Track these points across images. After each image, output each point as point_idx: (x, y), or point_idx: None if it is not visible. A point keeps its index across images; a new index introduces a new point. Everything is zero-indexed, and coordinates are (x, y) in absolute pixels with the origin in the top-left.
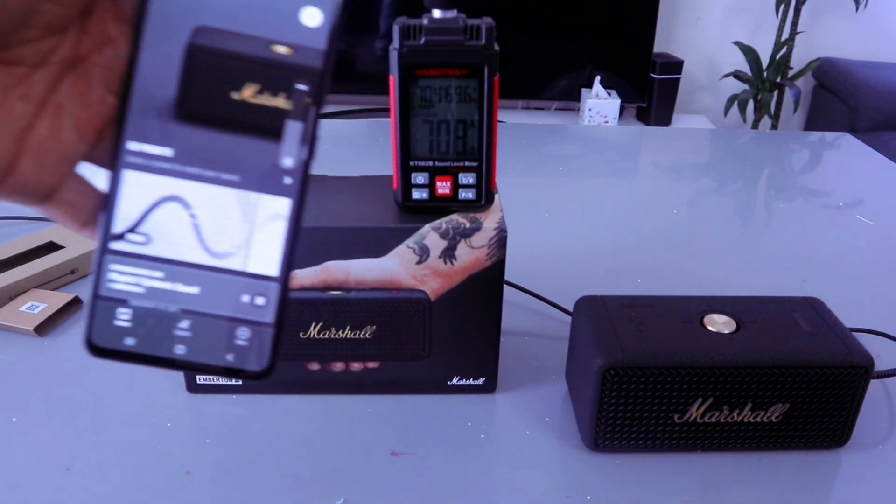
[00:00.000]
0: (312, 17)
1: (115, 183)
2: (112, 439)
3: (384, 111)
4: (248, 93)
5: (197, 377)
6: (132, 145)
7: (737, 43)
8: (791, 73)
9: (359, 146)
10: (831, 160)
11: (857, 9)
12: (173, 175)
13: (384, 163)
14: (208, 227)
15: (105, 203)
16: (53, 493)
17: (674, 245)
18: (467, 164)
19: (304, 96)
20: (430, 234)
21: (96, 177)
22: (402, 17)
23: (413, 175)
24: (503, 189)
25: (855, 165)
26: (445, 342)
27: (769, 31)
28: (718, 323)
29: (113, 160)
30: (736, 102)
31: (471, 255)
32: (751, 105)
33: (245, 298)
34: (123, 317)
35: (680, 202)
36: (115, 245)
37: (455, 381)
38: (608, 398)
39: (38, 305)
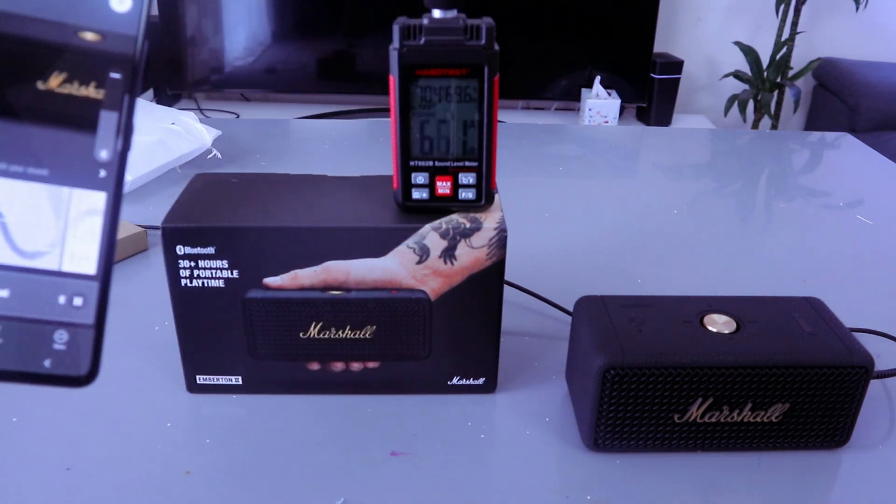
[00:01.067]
0: (122, 3)
1: None
2: (112, 439)
3: (384, 111)
4: (56, 82)
5: (197, 377)
6: None
7: (737, 43)
8: (791, 73)
9: (359, 146)
10: (831, 160)
11: (857, 9)
12: None
13: (384, 163)
14: (17, 225)
15: None
16: (53, 493)
17: (674, 245)
18: (467, 164)
19: (116, 85)
20: (430, 234)
21: None
22: (403, 17)
23: (413, 175)
24: (503, 189)
25: (855, 165)
26: (445, 342)
27: (769, 31)
28: (718, 323)
29: None
30: (736, 102)
31: (471, 255)
32: (751, 105)
33: (61, 299)
34: None
35: (680, 202)
36: None
37: (455, 381)
38: (608, 398)
39: None
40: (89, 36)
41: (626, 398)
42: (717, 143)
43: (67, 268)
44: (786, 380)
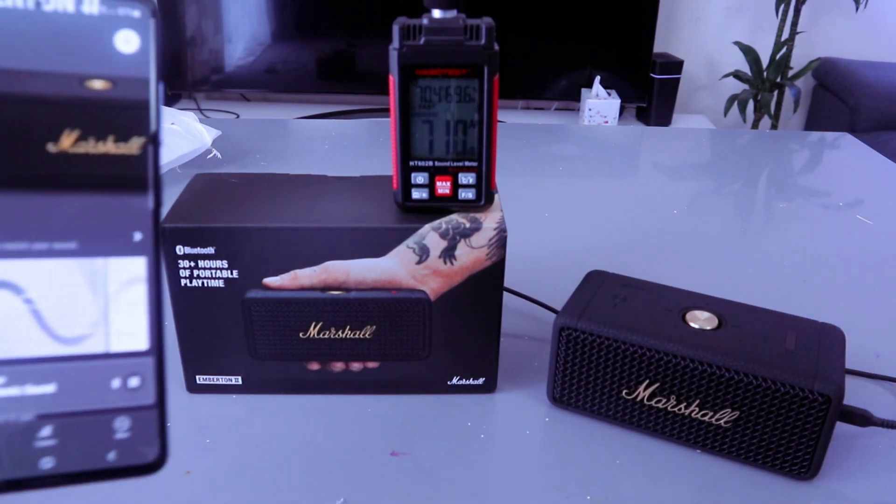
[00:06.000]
0: (128, 42)
1: None
2: None
3: (384, 111)
4: (68, 142)
5: (197, 377)
6: None
7: (737, 43)
8: (791, 73)
9: (359, 146)
10: (831, 160)
11: (857, 9)
12: None
13: (384, 163)
14: (52, 310)
15: None
16: (53, 493)
17: (674, 245)
18: (467, 164)
19: (136, 136)
20: (430, 234)
21: None
22: (402, 17)
23: (413, 175)
24: (503, 189)
25: (855, 165)
26: (445, 342)
27: (769, 31)
28: (700, 319)
29: None
30: (736, 102)
31: (471, 255)
32: (751, 105)
33: (115, 383)
34: None
35: (680, 202)
36: None
37: (455, 381)
38: (563, 356)
39: None
40: (97, 84)
41: (580, 360)
42: (717, 143)
43: (116, 348)
44: (734, 384)
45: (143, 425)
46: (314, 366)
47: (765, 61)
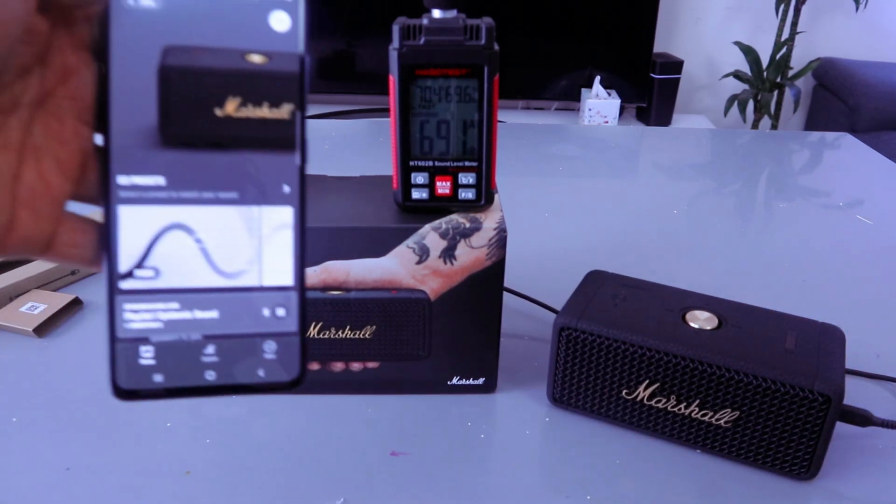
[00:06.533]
0: (281, 22)
1: (112, 221)
2: (112, 439)
3: (384, 111)
4: (232, 107)
5: None
6: (122, 179)
7: (737, 43)
8: (791, 73)
9: (359, 146)
10: (831, 160)
11: (857, 9)
12: (171, 203)
13: (384, 163)
14: (216, 249)
15: (105, 244)
16: (53, 493)
17: (674, 245)
18: (467, 164)
19: (287, 102)
20: (430, 234)
21: (86, 211)
22: (402, 17)
23: (413, 175)
24: (503, 189)
25: (855, 165)
26: (445, 342)
27: (769, 31)
28: (700, 319)
29: (105, 198)
30: (736, 102)
31: (471, 255)
32: (751, 105)
33: (266, 312)
34: (147, 355)
35: (680, 202)
36: (125, 284)
37: (455, 381)
38: (563, 356)
39: (38, 306)
40: (256, 58)
41: (580, 360)
42: (717, 143)
43: (267, 282)
44: (734, 384)
45: (288, 349)
46: (314, 366)
47: (765, 61)
